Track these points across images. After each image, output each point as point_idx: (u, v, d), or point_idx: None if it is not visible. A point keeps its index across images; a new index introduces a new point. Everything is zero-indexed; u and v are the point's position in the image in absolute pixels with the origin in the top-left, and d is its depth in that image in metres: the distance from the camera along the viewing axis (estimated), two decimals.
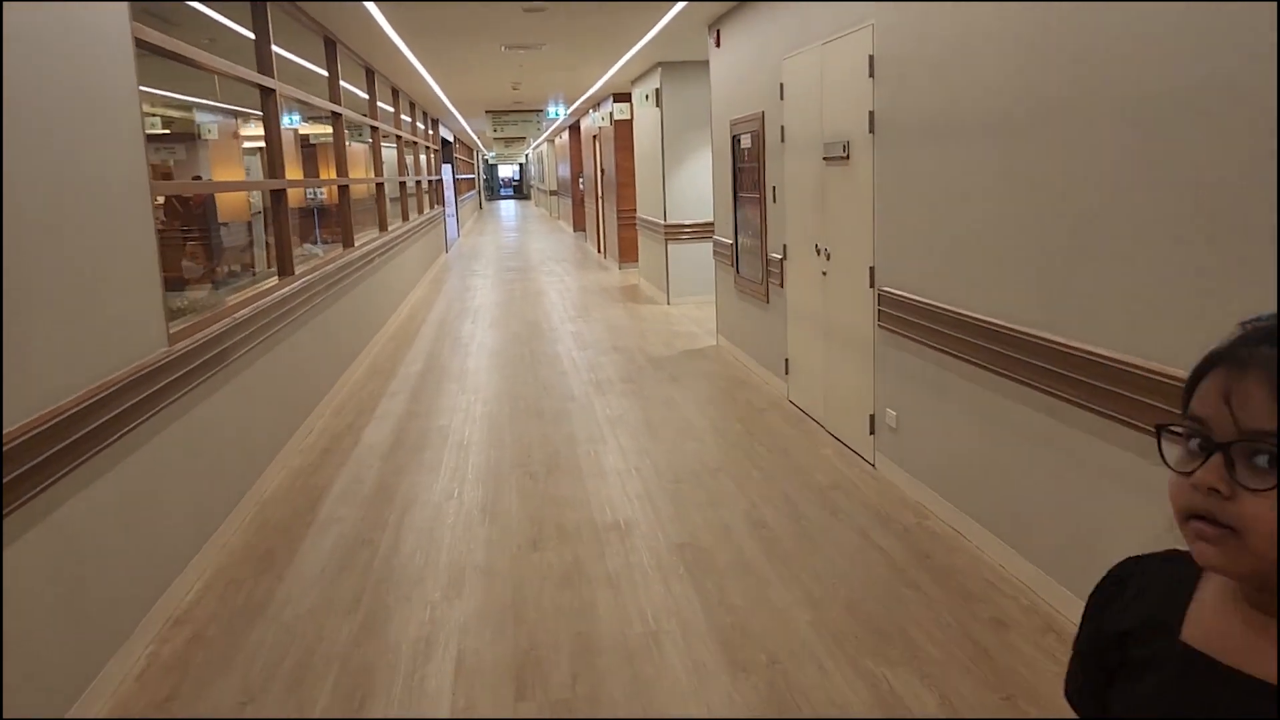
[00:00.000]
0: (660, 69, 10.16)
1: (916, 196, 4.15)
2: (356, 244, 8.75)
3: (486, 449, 5.47)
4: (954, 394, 3.91)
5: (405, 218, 12.22)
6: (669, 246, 10.42)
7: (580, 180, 20.38)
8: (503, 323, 9.84)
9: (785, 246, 5.99)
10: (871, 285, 4.64)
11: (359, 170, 12.96)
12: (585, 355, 8.01)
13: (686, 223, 10.35)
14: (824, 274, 5.28)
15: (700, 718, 2.72)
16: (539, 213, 34.56)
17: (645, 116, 11.33)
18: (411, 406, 6.54)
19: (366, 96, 10.11)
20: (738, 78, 6.92)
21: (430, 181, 17.12)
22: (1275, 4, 1.96)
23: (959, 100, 3.70)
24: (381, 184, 10.19)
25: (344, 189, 8.05)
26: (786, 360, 6.10)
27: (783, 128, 5.88)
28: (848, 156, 4.84)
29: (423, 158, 16.26)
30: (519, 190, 53.53)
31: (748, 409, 6.05)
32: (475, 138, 27.84)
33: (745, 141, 6.76)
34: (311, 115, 10.21)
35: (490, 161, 52.93)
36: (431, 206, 16.81)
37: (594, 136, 16.41)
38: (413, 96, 13.67)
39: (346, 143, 8.50)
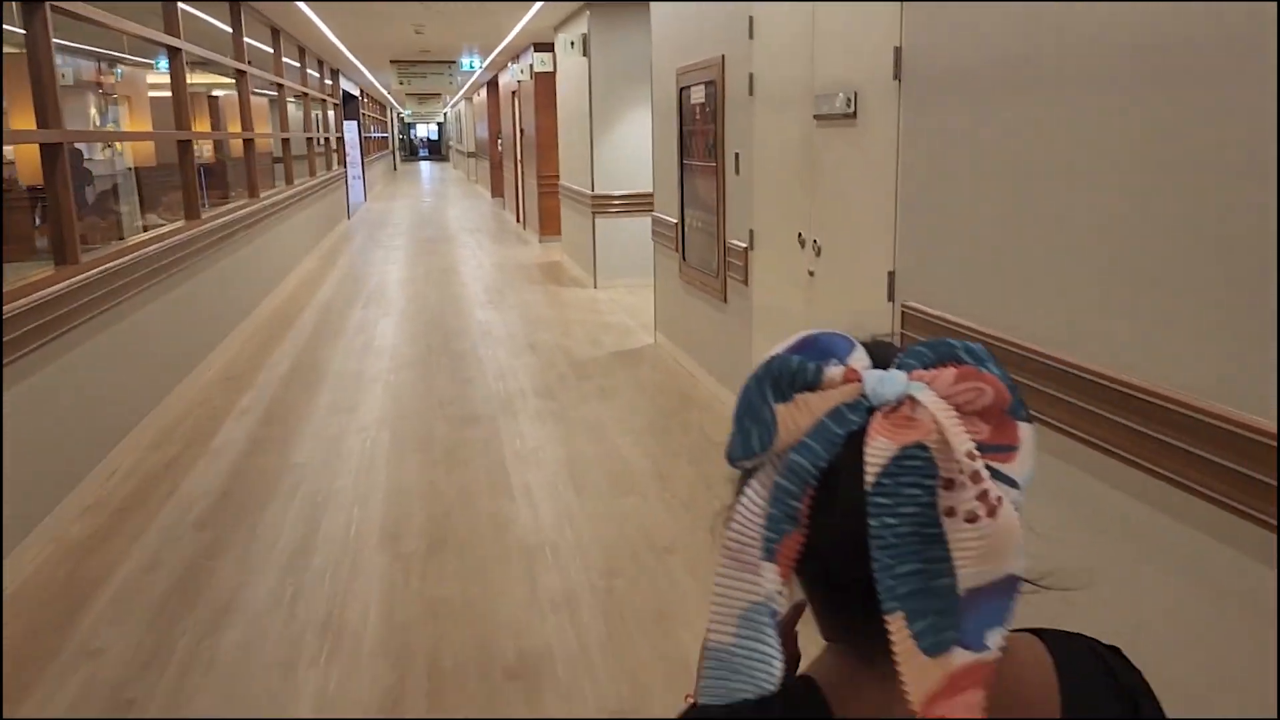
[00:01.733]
0: (588, 11, 8.63)
1: (966, 173, 2.80)
2: (215, 212, 7.09)
3: (349, 507, 3.98)
4: (1051, 474, 2.58)
5: (290, 180, 10.49)
6: (597, 221, 8.96)
7: (499, 141, 18.67)
8: (400, 309, 8.28)
9: (752, 233, 4.60)
10: (891, 298, 3.29)
11: (234, 125, 11.24)
12: (496, 355, 6.54)
13: (618, 194, 8.89)
14: (811, 274, 3.91)
15: None
16: (457, 175, 32.56)
17: (571, 68, 9.79)
18: (262, 431, 5.00)
19: (230, 31, 8.34)
20: (689, 14, 5.47)
21: (329, 140, 15.26)
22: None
23: (1054, 34, 2.34)
24: (250, 140, 8.47)
25: (185, 145, 6.37)
26: None
27: (751, 76, 4.48)
28: (854, 114, 3.46)
29: (317, 113, 14.41)
30: (437, 151, 51.06)
31: (702, 442, 4.68)
32: (386, 93, 25.78)
33: (697, 95, 5.33)
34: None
35: (406, 120, 50.37)
36: (330, 168, 14.98)
37: (513, 93, 14.76)
38: (302, 41, 11.86)
39: (186, 89, 6.79)
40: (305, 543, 3.63)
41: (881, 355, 0.61)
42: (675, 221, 5.95)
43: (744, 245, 4.70)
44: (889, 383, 0.57)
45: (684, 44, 5.57)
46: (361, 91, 22.83)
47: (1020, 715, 0.62)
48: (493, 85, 19.29)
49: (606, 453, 4.55)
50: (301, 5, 8.80)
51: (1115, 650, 0.72)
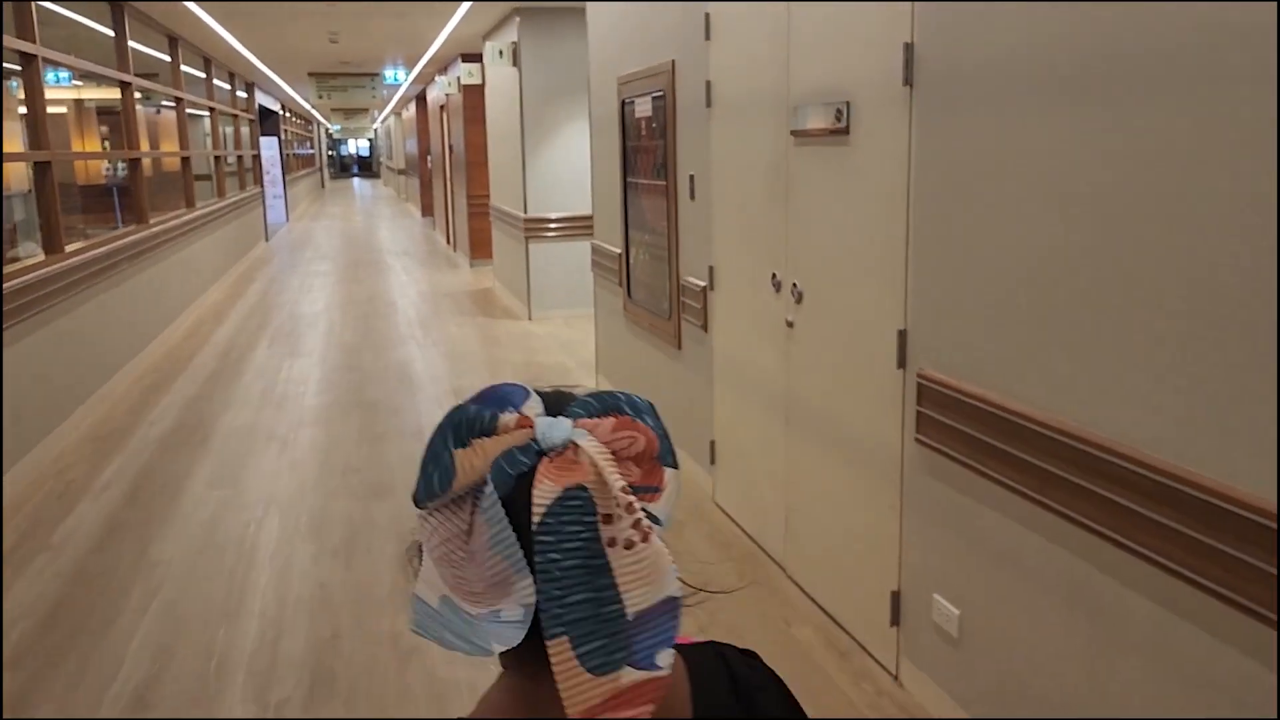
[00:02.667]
0: (517, 18, 7.87)
1: (1002, 203, 2.10)
2: (92, 241, 6.15)
3: (211, 628, 3.13)
4: (1089, 593, 1.88)
5: (190, 203, 9.50)
6: (531, 246, 8.17)
7: (429, 158, 17.78)
8: (310, 348, 7.38)
9: (712, 270, 3.87)
10: (901, 365, 2.57)
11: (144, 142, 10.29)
12: (414, 405, 5.71)
13: (554, 216, 8.12)
14: (790, 324, 3.18)
15: None
16: (387, 193, 31.43)
17: (500, 80, 9.02)
18: (122, 515, 4.10)
19: (112, 34, 7.39)
20: (632, 15, 4.74)
21: (241, 157, 14.22)
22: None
23: (1123, 27, 1.65)
24: (137, 160, 7.52)
25: (42, 167, 5.42)
26: (712, 443, 3.99)
27: (709, 84, 3.75)
28: (846, 128, 2.75)
29: (227, 129, 13.39)
30: (369, 168, 49.67)
31: None
32: (310, 108, 24.68)
33: (642, 107, 4.60)
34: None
35: (335, 136, 48.96)
36: (243, 187, 13.94)
37: (440, 107, 13.91)
38: (207, 51, 10.88)
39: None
40: (144, 691, 2.78)
41: (555, 403, 0.65)
42: (619, 252, 5.20)
43: (702, 284, 3.96)
44: (556, 429, 0.61)
45: (626, 49, 4.84)
46: (283, 106, 21.73)
47: (661, 716, 0.63)
48: (421, 100, 18.41)
49: None
50: (194, 8, 7.88)
51: (750, 654, 0.80)
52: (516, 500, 0.59)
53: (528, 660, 0.61)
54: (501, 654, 0.61)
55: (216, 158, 11.52)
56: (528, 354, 6.99)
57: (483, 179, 10.81)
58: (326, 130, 45.58)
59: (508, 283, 9.39)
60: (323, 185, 36.42)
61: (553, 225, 8.13)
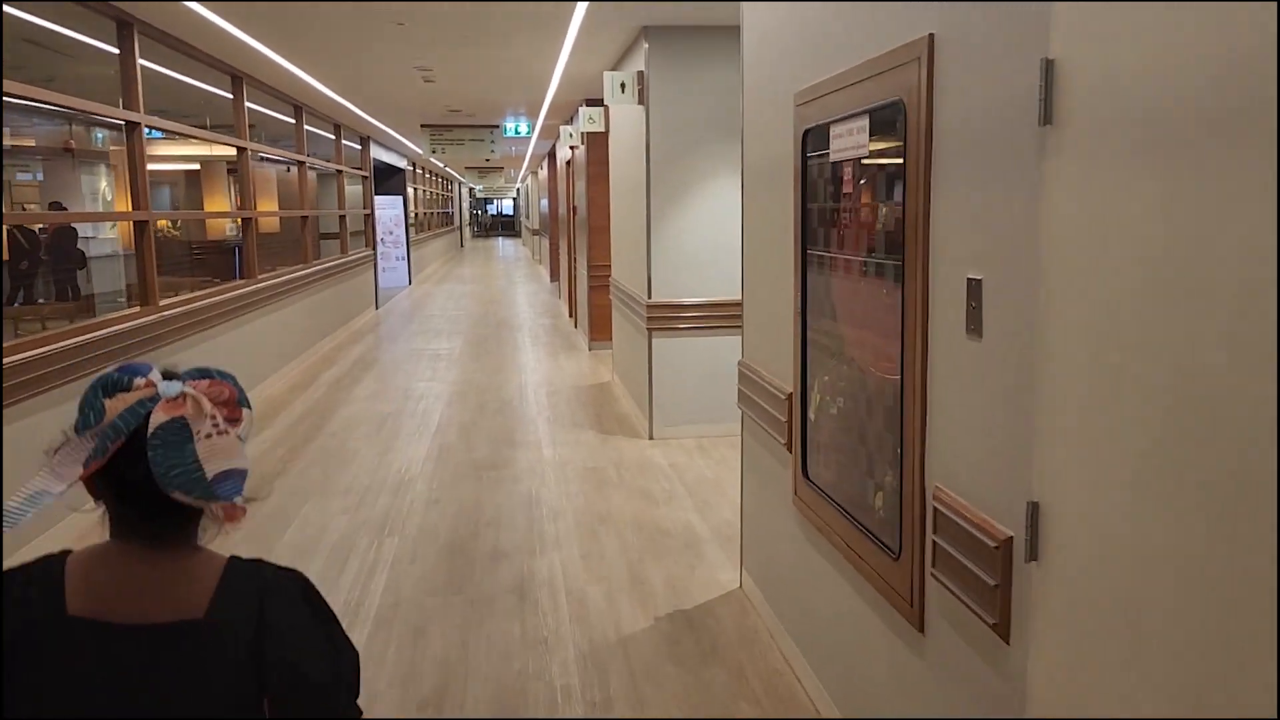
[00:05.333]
0: (645, 44, 5.91)
1: None
2: (185, 297, 4.46)
3: None
4: None
5: (249, 272, 7.89)
6: (654, 341, 6.10)
7: (559, 219, 16.16)
8: (375, 459, 5.51)
9: (1036, 512, 1.63)
10: None
11: (270, 202, 9.04)
12: (447, 619, 3.65)
13: (686, 303, 6.04)
14: None
15: None
16: (524, 254, 30.29)
17: (625, 124, 7.08)
18: None
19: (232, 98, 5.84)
20: None
21: (344, 217, 12.85)
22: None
23: None
24: (250, 220, 5.90)
25: (141, 225, 3.74)
26: None
27: (1049, 68, 1.56)
28: None
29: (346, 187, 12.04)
30: (511, 228, 49.35)
31: None
32: (442, 165, 23.72)
33: (846, 140, 2.44)
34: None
35: (479, 195, 48.95)
36: (345, 250, 12.52)
37: (566, 162, 12.19)
38: (300, 101, 9.45)
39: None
40: None
41: (171, 375, 1.13)
42: (788, 391, 3.02)
43: (1001, 534, 1.73)
44: (171, 387, 1.11)
45: (815, 45, 2.71)
46: (413, 164, 20.71)
47: (169, 609, 1.09)
48: (553, 155, 16.89)
49: None
50: (269, 52, 6.28)
51: (291, 571, 1.21)
52: (139, 430, 1.07)
53: (125, 528, 1.12)
54: (112, 529, 1.13)
55: (302, 219, 10.02)
56: (643, 504, 4.85)
57: (605, 245, 8.88)
58: (471, 190, 45.56)
59: (627, 377, 7.33)
60: (460, 245, 35.80)
61: (685, 315, 6.03)
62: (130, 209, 5.76)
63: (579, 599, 3.74)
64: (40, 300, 9.95)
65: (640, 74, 6.08)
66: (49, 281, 10.35)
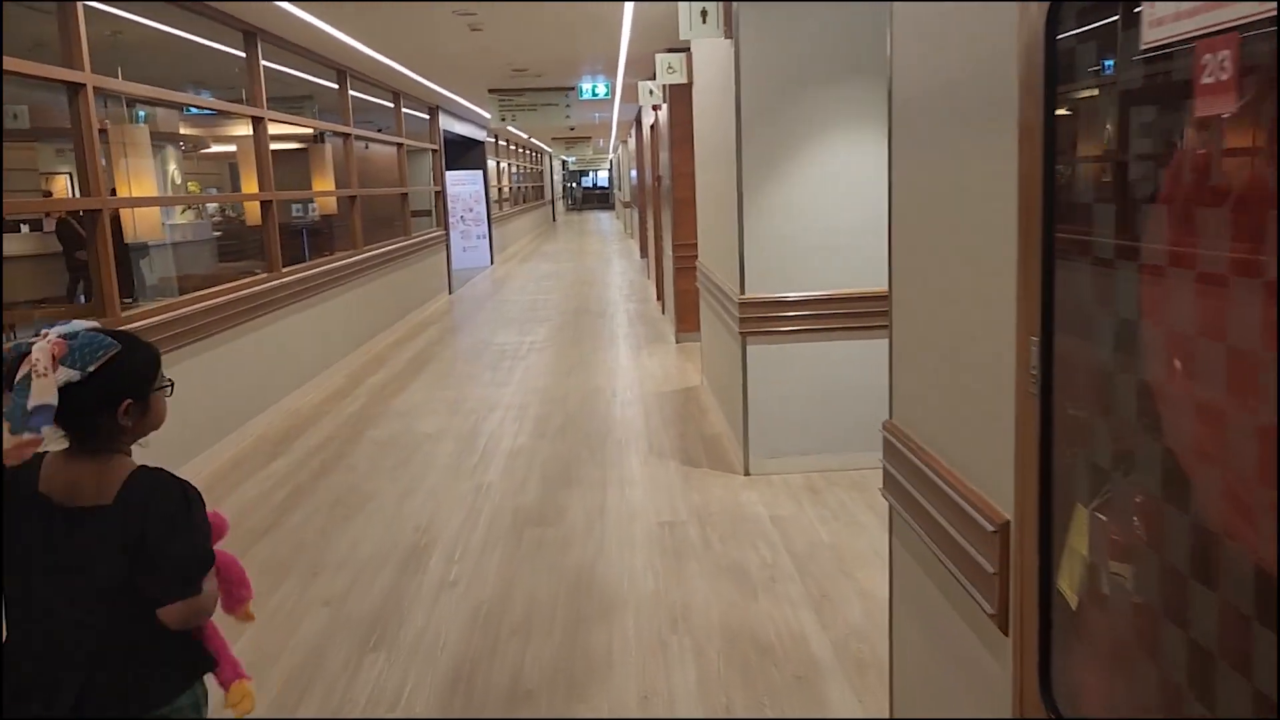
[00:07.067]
0: None
1: None
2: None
3: None
4: None
5: (270, 264, 6.75)
6: (749, 348, 4.68)
7: (645, 190, 14.77)
8: (393, 507, 4.29)
9: None
10: None
11: (325, 179, 8.17)
12: None
13: (793, 298, 4.59)
14: None
15: None
16: (616, 228, 28.98)
17: (709, 68, 5.63)
18: None
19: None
20: None
21: (406, 195, 11.71)
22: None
23: None
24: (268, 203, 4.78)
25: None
26: None
27: None
28: None
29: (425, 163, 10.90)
30: (605, 200, 48.00)
31: None
32: (526, 135, 22.57)
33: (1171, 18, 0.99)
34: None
35: (572, 167, 47.82)
36: (407, 232, 11.40)
37: (651, 126, 10.77)
38: (345, 65, 8.28)
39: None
40: None
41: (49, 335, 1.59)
42: (1000, 520, 1.58)
43: None
44: (22, 345, 1.53)
45: None
46: (495, 136, 19.57)
47: (89, 497, 1.57)
48: (639, 121, 15.48)
49: None
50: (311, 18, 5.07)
51: (181, 482, 1.66)
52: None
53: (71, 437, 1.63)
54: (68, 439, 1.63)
55: (351, 198, 8.88)
56: (735, 591, 3.46)
57: (691, 221, 7.47)
58: (564, 163, 44.43)
59: (717, 384, 5.93)
60: (553, 219, 34.73)
61: (789, 315, 4.59)
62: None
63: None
64: (84, 299, 9.08)
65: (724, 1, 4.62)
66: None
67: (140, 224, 6.27)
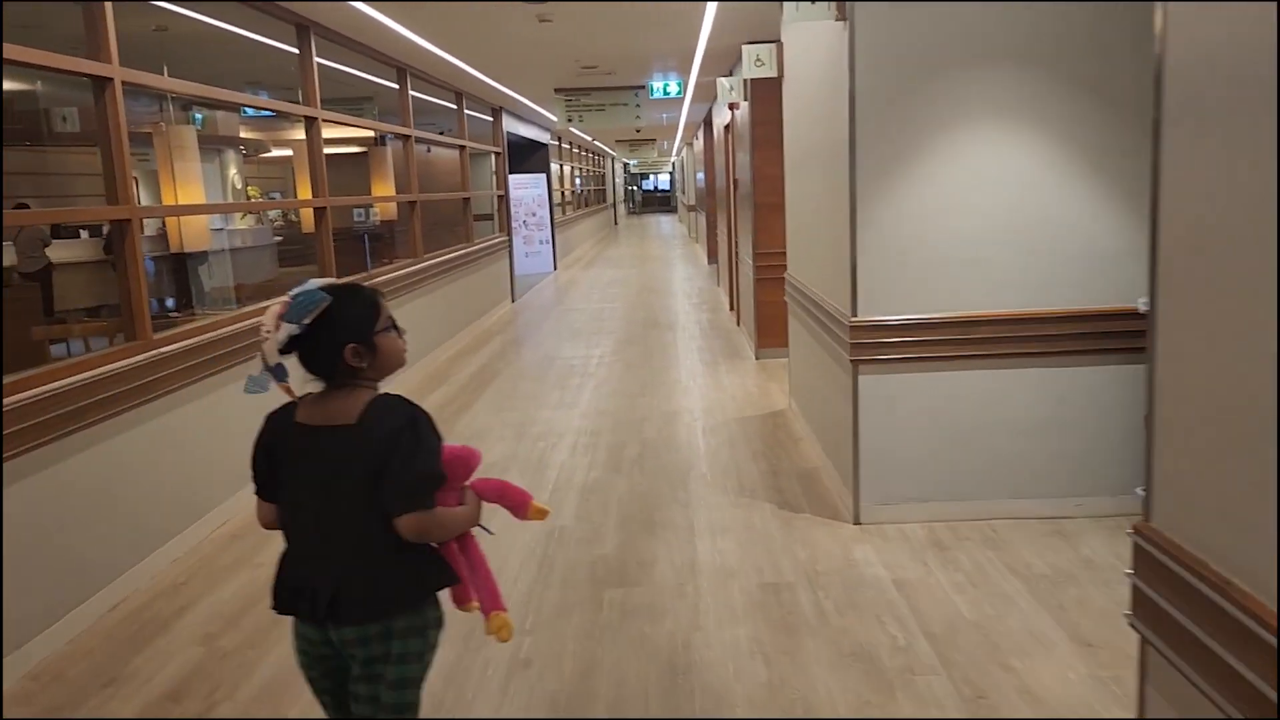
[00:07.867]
0: None
1: None
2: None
3: None
4: None
5: (322, 272, 6.30)
6: (861, 379, 4.04)
7: (716, 194, 14.13)
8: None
9: None
10: None
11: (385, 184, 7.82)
12: None
13: (915, 320, 3.95)
14: None
15: None
16: (680, 231, 28.36)
17: (808, 58, 5.00)
18: None
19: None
20: None
21: (468, 199, 11.26)
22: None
23: None
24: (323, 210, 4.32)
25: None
26: None
27: None
28: None
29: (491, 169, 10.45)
30: (667, 204, 47.40)
31: None
32: (590, 138, 22.12)
33: None
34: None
35: (634, 170, 47.34)
36: (469, 238, 10.94)
37: (725, 126, 10.15)
38: (405, 63, 7.84)
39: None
40: None
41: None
42: None
43: None
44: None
45: None
46: (559, 139, 19.13)
47: (339, 418, 1.79)
48: (709, 122, 14.88)
49: None
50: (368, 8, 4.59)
51: (414, 407, 1.82)
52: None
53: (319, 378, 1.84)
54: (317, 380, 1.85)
55: (411, 204, 8.42)
56: (864, 680, 2.83)
57: (777, 229, 6.84)
58: (625, 166, 43.97)
59: (810, 412, 5.30)
60: (615, 223, 34.25)
61: (911, 340, 3.95)
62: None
63: None
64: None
65: None
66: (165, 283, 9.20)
67: (186, 232, 5.85)
